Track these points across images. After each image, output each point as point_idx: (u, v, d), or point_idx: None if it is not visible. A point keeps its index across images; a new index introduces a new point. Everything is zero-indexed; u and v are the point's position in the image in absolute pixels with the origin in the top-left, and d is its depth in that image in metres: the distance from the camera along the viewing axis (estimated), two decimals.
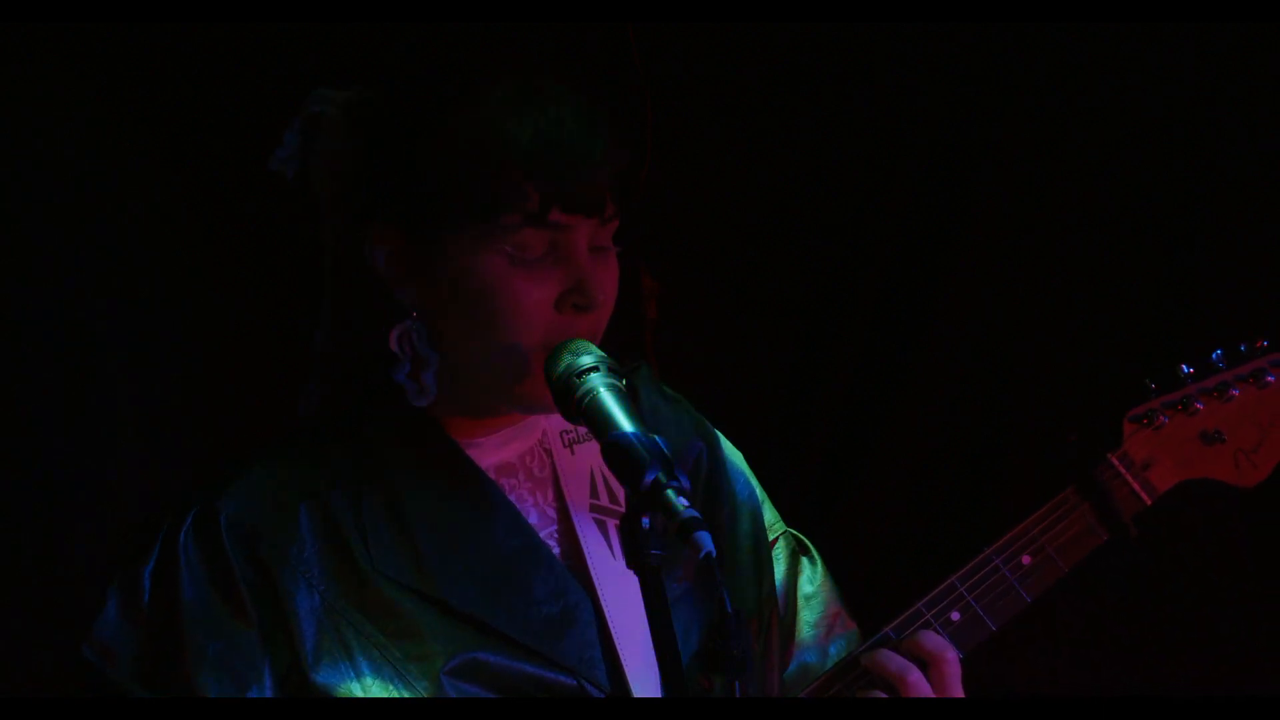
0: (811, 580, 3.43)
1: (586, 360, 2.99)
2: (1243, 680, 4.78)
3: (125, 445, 4.37)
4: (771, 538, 3.42)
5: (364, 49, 4.30)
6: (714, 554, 2.75)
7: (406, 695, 3.03)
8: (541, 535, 3.17)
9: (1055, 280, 4.87)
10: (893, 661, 3.20)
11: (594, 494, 3.23)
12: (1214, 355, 3.39)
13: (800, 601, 3.42)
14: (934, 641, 3.21)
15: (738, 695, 2.75)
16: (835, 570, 3.46)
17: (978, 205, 4.87)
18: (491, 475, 3.18)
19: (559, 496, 3.22)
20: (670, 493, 2.81)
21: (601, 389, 2.96)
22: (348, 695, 3.03)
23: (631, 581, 2.86)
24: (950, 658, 3.20)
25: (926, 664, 3.20)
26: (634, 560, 2.84)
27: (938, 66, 4.83)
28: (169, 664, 3.03)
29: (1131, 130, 4.79)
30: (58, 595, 4.26)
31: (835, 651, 3.37)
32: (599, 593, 3.14)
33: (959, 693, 3.20)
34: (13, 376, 4.30)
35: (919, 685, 3.18)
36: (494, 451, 3.20)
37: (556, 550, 3.18)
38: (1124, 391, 3.34)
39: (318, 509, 3.09)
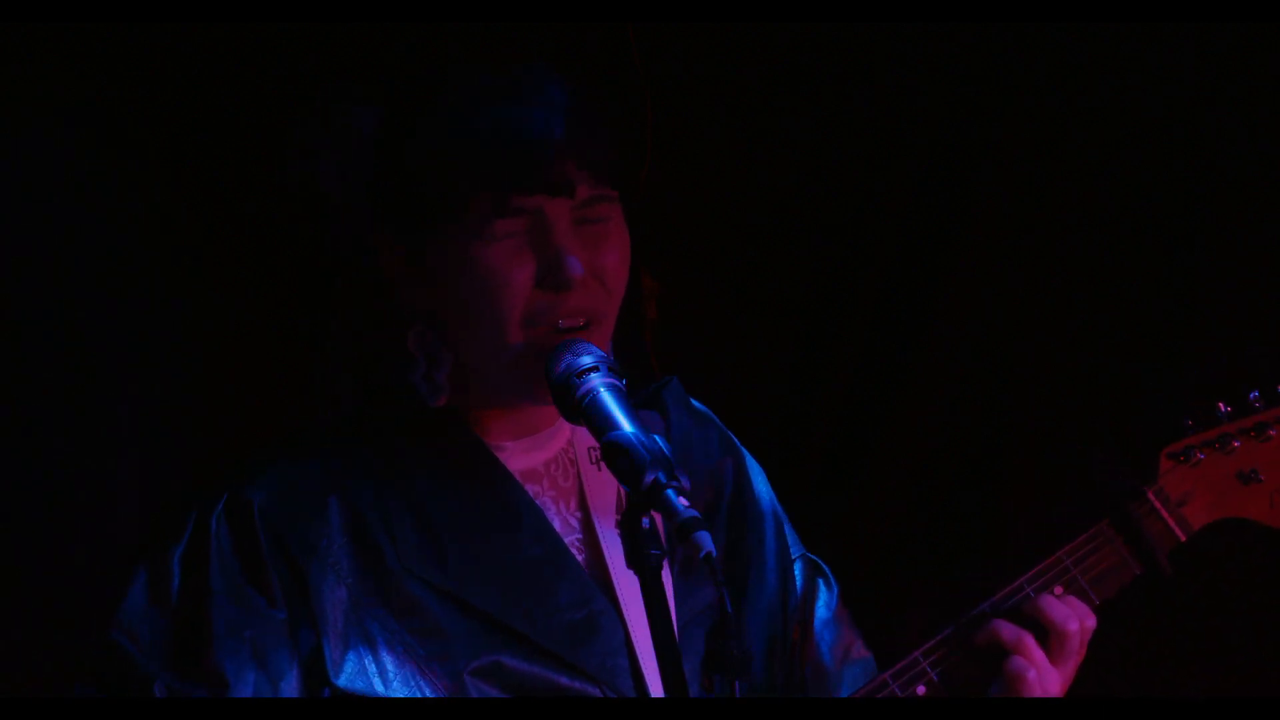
0: (828, 605, 3.41)
1: (586, 360, 2.99)
2: (1249, 685, 4.77)
3: (125, 445, 4.37)
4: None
5: (364, 50, 4.30)
6: (714, 554, 2.75)
7: (428, 694, 3.03)
8: (565, 543, 3.17)
9: (1055, 280, 4.86)
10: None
11: (619, 510, 3.22)
12: (1251, 395, 3.36)
13: (817, 626, 3.40)
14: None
15: (738, 695, 2.75)
16: (836, 570, 3.46)
17: (978, 205, 4.87)
18: (517, 480, 3.18)
19: (582, 507, 3.22)
20: (670, 493, 2.81)
21: (601, 389, 2.96)
22: (369, 691, 3.03)
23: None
24: None
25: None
26: (634, 560, 2.84)
27: (938, 66, 4.82)
28: (196, 651, 3.02)
29: (1131, 130, 4.79)
30: (58, 595, 4.25)
31: (850, 677, 3.35)
32: (621, 603, 3.14)
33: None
34: (13, 376, 4.29)
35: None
36: (521, 457, 3.20)
37: (580, 559, 3.17)
38: (1127, 401, 3.30)
39: (346, 503, 3.09)
